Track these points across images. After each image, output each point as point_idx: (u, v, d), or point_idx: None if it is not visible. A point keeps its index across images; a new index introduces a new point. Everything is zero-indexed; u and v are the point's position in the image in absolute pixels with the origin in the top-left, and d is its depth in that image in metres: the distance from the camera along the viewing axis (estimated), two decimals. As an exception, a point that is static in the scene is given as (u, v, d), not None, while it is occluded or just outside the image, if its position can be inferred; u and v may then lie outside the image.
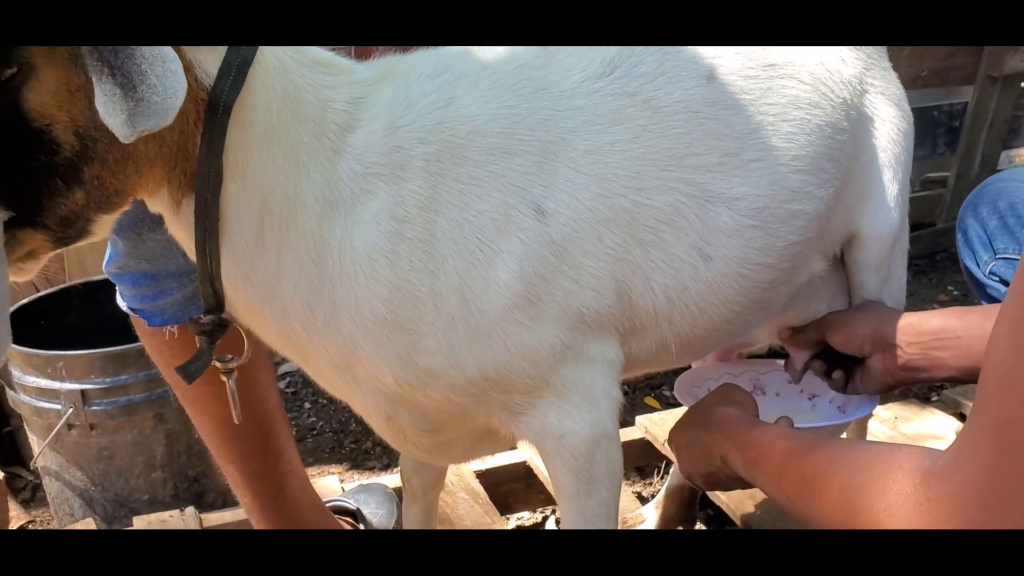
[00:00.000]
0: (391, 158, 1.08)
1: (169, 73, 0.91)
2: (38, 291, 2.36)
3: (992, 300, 1.62)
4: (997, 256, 1.62)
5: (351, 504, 1.89)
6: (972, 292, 1.73)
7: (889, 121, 1.42)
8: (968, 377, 1.40)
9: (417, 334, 1.09)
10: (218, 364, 1.25)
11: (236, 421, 1.30)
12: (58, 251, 1.06)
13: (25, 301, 2.24)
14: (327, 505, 1.81)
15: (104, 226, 1.06)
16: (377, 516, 1.87)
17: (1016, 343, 0.75)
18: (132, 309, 1.51)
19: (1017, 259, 1.56)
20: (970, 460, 0.78)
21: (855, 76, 1.36)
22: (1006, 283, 1.58)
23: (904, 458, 0.89)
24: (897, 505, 0.86)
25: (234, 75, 1.00)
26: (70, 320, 2.26)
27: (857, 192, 1.40)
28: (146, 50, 0.90)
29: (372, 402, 1.19)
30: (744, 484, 1.30)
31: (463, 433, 1.26)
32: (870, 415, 1.57)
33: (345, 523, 1.83)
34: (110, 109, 0.90)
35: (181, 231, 1.09)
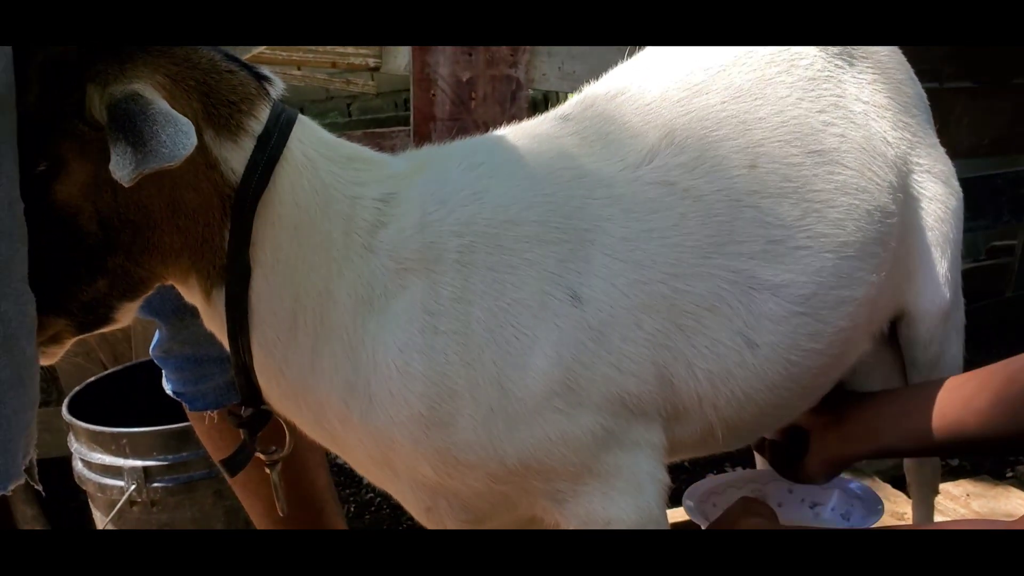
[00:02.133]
0: (424, 253, 1.08)
1: (180, 134, 0.92)
2: (106, 369, 2.42)
3: None
4: None
5: None
6: None
7: (936, 200, 1.39)
8: (902, 448, 1.40)
9: (455, 427, 1.07)
10: (262, 456, 1.25)
11: (281, 514, 1.30)
12: (81, 337, 1.08)
13: (92, 379, 2.30)
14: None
15: (127, 313, 1.08)
16: None
17: None
18: (175, 393, 1.53)
19: None
20: None
21: (900, 157, 1.34)
22: None
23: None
24: None
25: (260, 172, 1.02)
26: (135, 398, 2.30)
27: (905, 271, 1.37)
28: (160, 115, 0.92)
29: (411, 493, 1.18)
30: None
31: (505, 523, 1.24)
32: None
33: None
34: (119, 164, 0.91)
35: (214, 323, 1.11)
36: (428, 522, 1.25)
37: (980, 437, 1.27)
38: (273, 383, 1.12)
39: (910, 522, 1.81)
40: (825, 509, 1.51)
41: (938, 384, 1.34)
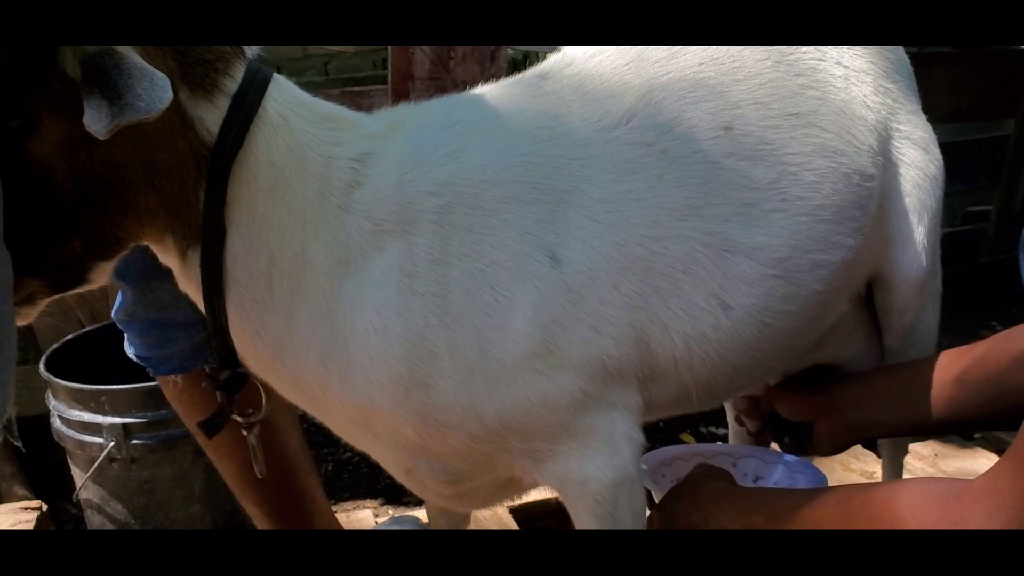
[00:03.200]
0: (401, 214, 1.07)
1: (156, 88, 0.91)
2: (83, 327, 2.41)
3: None
4: None
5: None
6: None
7: (916, 166, 1.40)
8: (906, 431, 1.46)
9: (435, 388, 1.08)
10: (239, 419, 1.25)
11: (260, 475, 1.30)
12: (55, 297, 1.07)
13: (70, 337, 2.30)
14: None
15: (102, 274, 1.07)
16: None
17: None
18: (139, 357, 1.51)
19: None
20: (1011, 488, 0.80)
21: (880, 121, 1.34)
22: None
23: (924, 486, 0.90)
24: (931, 526, 0.86)
25: (236, 132, 1.01)
26: (113, 355, 2.30)
27: (882, 237, 1.38)
28: (135, 69, 0.91)
29: (391, 455, 1.19)
30: None
31: (485, 482, 1.26)
32: None
33: None
34: (94, 117, 0.90)
35: (189, 284, 1.11)
36: (408, 483, 1.26)
37: (971, 414, 1.29)
38: (250, 345, 1.12)
39: (880, 481, 1.85)
40: (768, 483, 1.55)
41: (931, 364, 1.35)
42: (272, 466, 1.50)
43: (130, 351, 1.54)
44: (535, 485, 1.24)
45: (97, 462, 2.06)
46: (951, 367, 1.32)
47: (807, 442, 1.50)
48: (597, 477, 1.16)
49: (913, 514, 0.88)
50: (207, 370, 1.19)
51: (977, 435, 2.46)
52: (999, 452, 2.25)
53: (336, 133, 1.10)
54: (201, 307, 1.10)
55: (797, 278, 1.23)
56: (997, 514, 0.80)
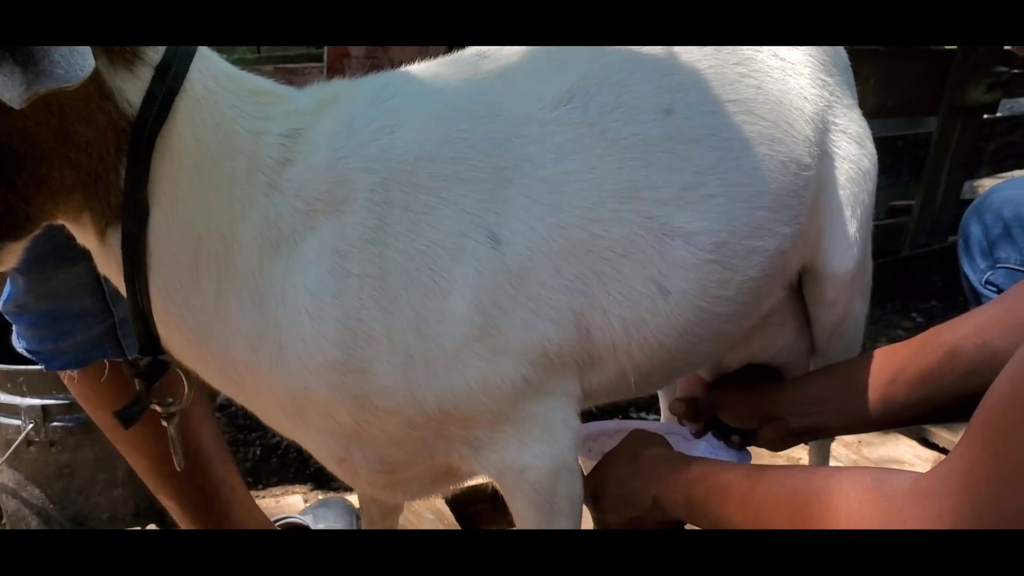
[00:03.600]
0: (334, 193, 1.04)
1: (76, 54, 0.85)
2: None
3: None
4: (997, 265, 1.60)
5: (301, 521, 1.86)
6: (968, 300, 1.70)
7: (850, 159, 1.42)
8: (848, 431, 1.50)
9: (373, 373, 1.05)
10: (158, 408, 1.20)
11: (179, 468, 1.24)
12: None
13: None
14: (279, 524, 1.77)
15: (11, 255, 1.01)
16: None
17: None
18: (30, 351, 1.42)
19: (1017, 269, 1.56)
20: (961, 488, 0.78)
21: (817, 113, 1.36)
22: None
23: (874, 477, 0.90)
24: (879, 524, 0.86)
25: (159, 105, 0.96)
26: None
27: (817, 228, 1.40)
28: None
29: (324, 443, 1.16)
30: (670, 527, 1.30)
31: (420, 472, 1.24)
32: None
33: None
34: (7, 84, 0.83)
35: (110, 265, 1.05)
36: (341, 472, 1.23)
37: (907, 412, 1.31)
38: (174, 330, 1.07)
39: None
40: None
41: (866, 365, 1.37)
42: (187, 458, 1.45)
43: (19, 345, 1.44)
44: (472, 474, 1.23)
45: (14, 445, 1.99)
46: (884, 368, 1.34)
47: (754, 442, 1.53)
48: (536, 466, 1.15)
49: (860, 512, 0.88)
50: (128, 358, 1.14)
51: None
52: (920, 439, 2.32)
53: (265, 108, 1.05)
54: (122, 289, 1.05)
55: (733, 264, 1.23)
56: (945, 516, 0.79)
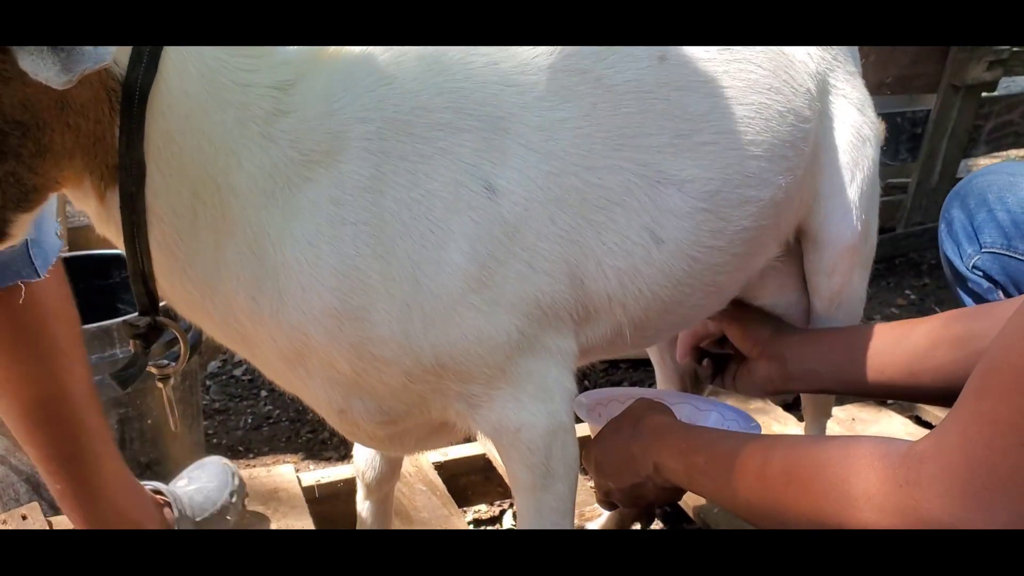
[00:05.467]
0: (330, 143, 1.03)
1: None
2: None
3: (972, 294, 1.62)
4: (983, 249, 1.60)
5: (163, 488, 1.78)
6: (951, 286, 1.71)
7: (850, 124, 1.41)
8: (838, 390, 1.48)
9: (370, 321, 1.06)
10: (154, 370, 1.20)
11: (174, 428, 1.24)
12: None
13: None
14: (147, 488, 1.71)
15: (23, 226, 1.00)
16: (204, 492, 1.78)
17: None
18: None
19: (1003, 253, 1.57)
20: (956, 449, 0.81)
21: (819, 73, 1.36)
22: (990, 277, 1.58)
23: (873, 445, 0.91)
24: (876, 487, 0.87)
25: (147, 60, 0.95)
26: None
27: (814, 190, 1.39)
28: None
29: (325, 394, 1.16)
30: (671, 496, 1.30)
31: (418, 425, 1.24)
32: None
33: (161, 500, 1.73)
34: (40, 64, 0.84)
35: (109, 227, 1.05)
36: (341, 424, 1.23)
37: (934, 389, 1.30)
38: (177, 284, 1.07)
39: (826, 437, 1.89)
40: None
41: (872, 330, 1.37)
42: (61, 403, 1.42)
43: None
44: (468, 432, 1.23)
45: (3, 411, 1.97)
46: (894, 334, 1.35)
47: (727, 375, 1.53)
48: (531, 424, 1.15)
49: (868, 498, 0.88)
50: (125, 320, 1.12)
51: (891, 400, 2.54)
52: (913, 417, 2.33)
53: (248, 60, 1.04)
54: (122, 249, 1.05)
55: (726, 212, 1.23)
56: (940, 477, 0.81)
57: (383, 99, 1.05)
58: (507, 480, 2.01)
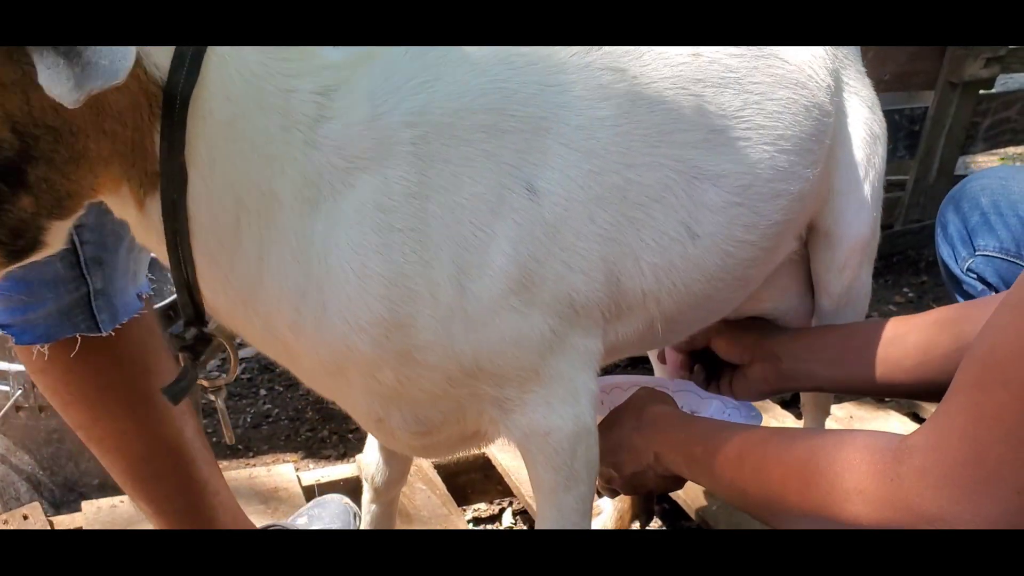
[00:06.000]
0: (376, 149, 1.02)
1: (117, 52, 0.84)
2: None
3: (968, 296, 1.64)
4: (977, 253, 1.63)
5: (293, 527, 1.78)
6: (947, 288, 1.73)
7: (862, 121, 1.43)
8: (834, 388, 1.51)
9: (416, 328, 1.05)
10: (205, 383, 1.19)
11: (229, 442, 1.23)
12: (12, 268, 0.97)
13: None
14: (271, 529, 1.70)
15: (59, 235, 0.99)
16: None
17: (1018, 335, 0.78)
18: (0, 325, 1.34)
19: (997, 256, 1.58)
20: (944, 443, 0.82)
21: (834, 70, 1.38)
22: (984, 280, 1.60)
23: (867, 439, 0.92)
24: (867, 480, 0.88)
25: (188, 65, 0.93)
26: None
27: (828, 185, 1.41)
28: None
29: (364, 403, 1.15)
30: (671, 484, 1.31)
31: (452, 435, 1.24)
32: None
33: None
34: (54, 79, 0.82)
35: (150, 236, 1.03)
36: (378, 433, 1.24)
37: (931, 386, 1.31)
38: (219, 294, 1.06)
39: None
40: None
41: (867, 328, 1.38)
42: (165, 457, 1.40)
43: None
44: (497, 438, 1.23)
45: (3, 411, 1.98)
46: (889, 330, 1.35)
47: (723, 380, 1.53)
48: (560, 427, 1.16)
49: (859, 490, 0.89)
50: (171, 332, 1.10)
51: (888, 398, 2.54)
52: (911, 415, 2.33)
53: (292, 64, 1.02)
54: (163, 259, 1.04)
55: (759, 207, 1.25)
56: (929, 470, 0.82)
57: (428, 103, 1.04)
58: (508, 478, 2.02)
